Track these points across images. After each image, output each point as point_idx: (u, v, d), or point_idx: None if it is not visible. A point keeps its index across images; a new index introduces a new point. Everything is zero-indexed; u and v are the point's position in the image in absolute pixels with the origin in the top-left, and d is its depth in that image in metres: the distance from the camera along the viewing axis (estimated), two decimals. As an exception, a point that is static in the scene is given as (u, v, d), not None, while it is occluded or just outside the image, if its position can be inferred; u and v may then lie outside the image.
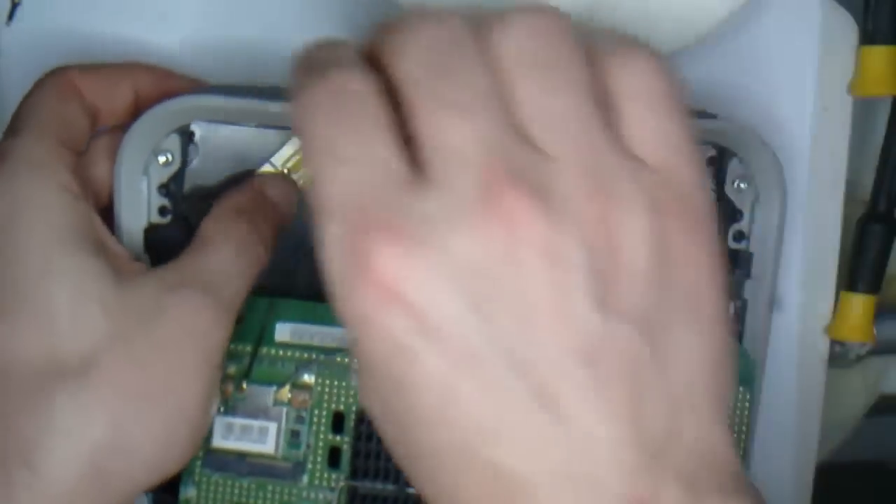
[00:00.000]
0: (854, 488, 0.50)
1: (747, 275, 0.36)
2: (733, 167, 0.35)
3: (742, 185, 0.35)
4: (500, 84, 0.25)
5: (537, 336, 0.24)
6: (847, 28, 0.37)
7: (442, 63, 0.25)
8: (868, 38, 0.37)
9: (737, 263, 0.36)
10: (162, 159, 0.34)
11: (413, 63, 0.25)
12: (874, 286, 0.38)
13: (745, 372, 0.36)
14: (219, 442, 0.34)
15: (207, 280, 0.32)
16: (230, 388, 0.34)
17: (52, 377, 0.30)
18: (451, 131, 0.24)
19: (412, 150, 0.25)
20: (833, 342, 0.40)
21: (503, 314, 0.24)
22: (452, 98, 0.25)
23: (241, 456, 0.35)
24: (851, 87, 0.38)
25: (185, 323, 0.31)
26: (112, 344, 0.31)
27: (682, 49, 0.34)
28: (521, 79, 0.25)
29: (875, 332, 0.41)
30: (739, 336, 0.36)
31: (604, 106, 0.26)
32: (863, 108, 0.40)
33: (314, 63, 0.26)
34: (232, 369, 0.34)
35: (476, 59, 0.25)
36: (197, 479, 0.34)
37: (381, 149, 0.25)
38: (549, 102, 0.25)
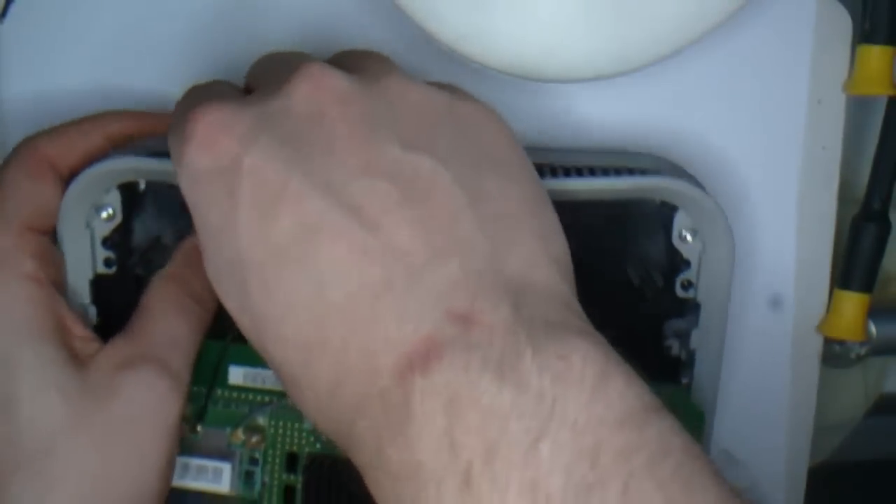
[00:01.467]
0: (854, 488, 0.50)
1: (695, 324, 0.36)
2: (679, 218, 0.35)
3: (688, 237, 0.35)
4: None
5: (344, 158, 0.27)
6: (841, 21, 0.37)
7: (273, 63, 0.31)
8: (865, 37, 0.37)
9: (684, 312, 0.36)
10: (104, 214, 0.35)
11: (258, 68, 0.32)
12: (868, 285, 0.38)
13: (692, 422, 0.36)
14: (176, 482, 0.35)
15: (155, 353, 0.32)
16: (185, 429, 0.35)
17: (10, 466, 0.31)
18: (273, 66, 0.30)
19: None
20: (833, 342, 0.41)
21: (311, 143, 0.27)
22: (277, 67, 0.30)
23: (200, 495, 0.35)
24: (847, 86, 0.38)
25: (140, 400, 0.32)
26: (70, 429, 0.31)
27: (684, 48, 0.34)
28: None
29: (875, 332, 0.41)
30: (688, 386, 0.36)
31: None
32: (858, 108, 0.40)
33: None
34: (187, 411, 0.34)
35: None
36: None
37: (228, 90, 0.31)
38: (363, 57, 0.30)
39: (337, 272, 0.26)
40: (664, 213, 0.36)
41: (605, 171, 0.35)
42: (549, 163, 0.35)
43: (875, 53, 0.37)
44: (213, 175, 0.27)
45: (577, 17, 0.34)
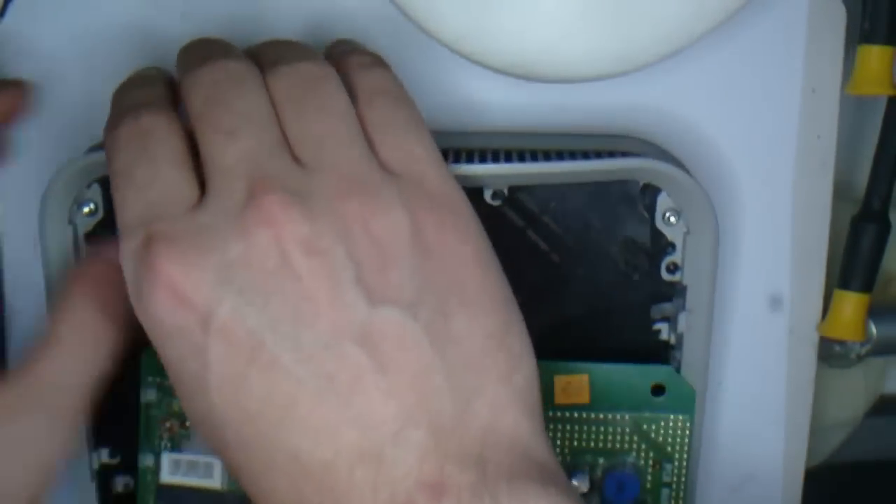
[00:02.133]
0: (854, 488, 0.50)
1: (682, 307, 0.36)
2: (662, 200, 0.35)
3: (672, 219, 0.36)
4: (269, 115, 0.29)
5: (312, 322, 0.27)
6: (836, 11, 0.37)
7: (219, 97, 0.29)
8: (865, 37, 0.37)
9: (672, 296, 0.36)
10: (86, 209, 0.35)
11: (197, 99, 0.29)
12: (867, 285, 0.38)
13: (684, 402, 0.36)
14: (167, 478, 0.35)
15: (44, 396, 0.31)
16: (176, 425, 0.35)
17: None
18: (223, 150, 0.28)
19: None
20: (833, 342, 0.41)
21: (279, 305, 0.27)
22: (225, 124, 0.29)
23: (192, 490, 0.35)
24: (848, 86, 0.38)
25: (15, 448, 0.31)
26: None
27: (684, 48, 0.34)
28: (287, 110, 0.29)
29: (875, 332, 0.41)
30: (678, 367, 0.36)
31: (359, 133, 0.30)
32: (857, 107, 0.40)
33: (128, 103, 0.31)
34: (176, 406, 0.35)
35: (249, 93, 0.29)
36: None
37: (170, 175, 0.29)
38: (310, 127, 0.29)
39: (312, 441, 0.26)
40: (648, 195, 0.36)
41: (588, 155, 0.35)
42: (535, 147, 0.35)
43: (875, 53, 0.37)
44: (179, 332, 0.27)
45: (577, 16, 0.34)
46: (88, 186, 0.35)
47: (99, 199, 0.35)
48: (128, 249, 0.28)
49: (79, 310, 0.32)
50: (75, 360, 0.32)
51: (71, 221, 0.35)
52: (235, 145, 0.28)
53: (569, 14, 0.34)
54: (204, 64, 0.30)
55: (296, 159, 0.29)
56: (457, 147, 0.35)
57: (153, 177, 0.29)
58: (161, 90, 0.32)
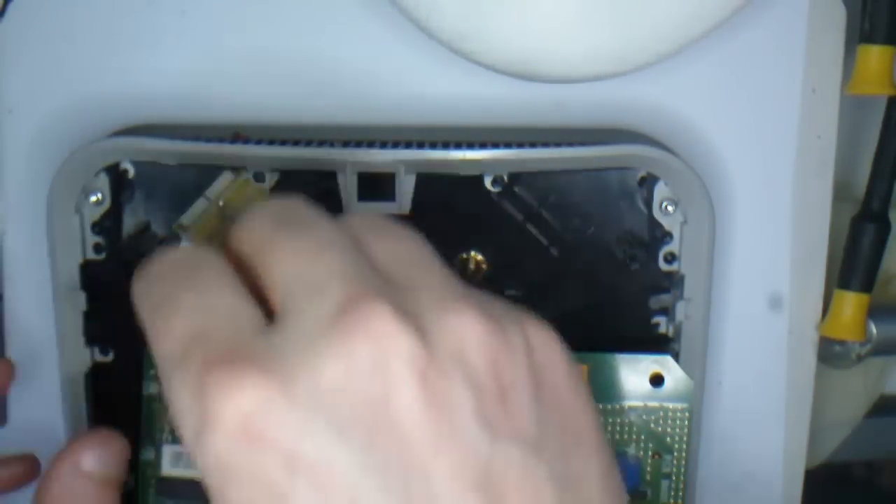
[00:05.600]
0: (854, 488, 0.50)
1: (680, 296, 0.36)
2: (660, 189, 0.36)
3: (669, 208, 0.36)
4: (351, 239, 0.24)
5: (423, 462, 0.22)
6: (836, 11, 0.37)
7: (291, 221, 0.24)
8: (865, 37, 0.37)
9: (670, 286, 0.37)
10: (93, 198, 0.35)
11: (259, 226, 0.24)
12: (868, 285, 0.38)
13: (682, 391, 0.36)
14: (168, 470, 0.35)
15: None
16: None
17: None
18: (306, 267, 0.23)
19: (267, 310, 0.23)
20: (833, 342, 0.41)
21: (380, 440, 0.21)
22: (303, 244, 0.23)
23: (192, 482, 0.35)
24: (848, 86, 0.38)
25: None
26: None
27: (684, 48, 0.34)
28: (367, 234, 0.24)
29: (875, 332, 0.41)
30: (676, 356, 0.37)
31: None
32: (857, 107, 0.40)
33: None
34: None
35: (325, 222, 0.24)
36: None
37: (226, 296, 0.23)
38: (396, 247, 0.24)
39: None
40: (646, 187, 0.36)
41: (581, 143, 0.35)
42: (535, 141, 0.36)
43: (875, 53, 0.37)
44: (253, 477, 0.21)
45: (576, 17, 0.34)
46: (96, 175, 0.35)
47: (106, 188, 0.35)
48: (180, 382, 0.22)
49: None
50: None
51: (78, 210, 0.35)
52: (322, 259, 0.23)
53: (569, 14, 0.34)
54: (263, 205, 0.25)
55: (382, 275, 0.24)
56: (458, 140, 0.35)
57: (203, 299, 0.23)
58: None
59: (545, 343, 0.24)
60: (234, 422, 0.21)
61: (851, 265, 0.38)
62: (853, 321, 0.38)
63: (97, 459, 0.29)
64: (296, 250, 0.23)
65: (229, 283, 0.24)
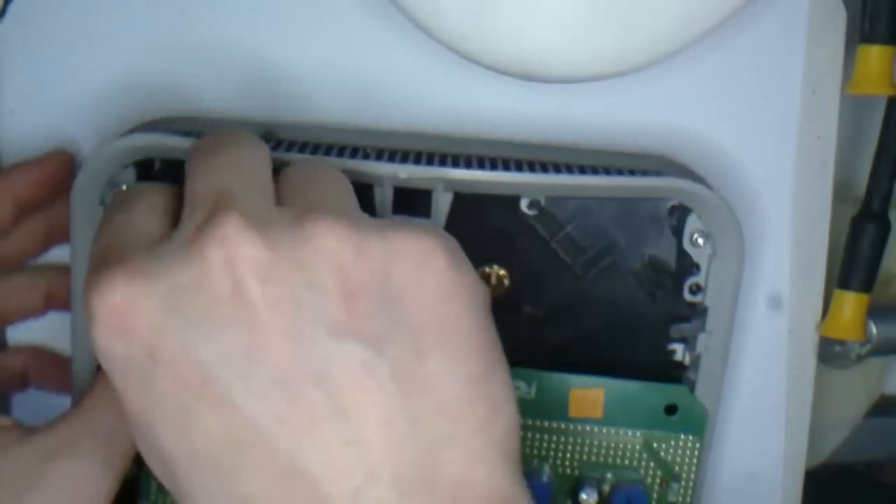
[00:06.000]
0: (854, 488, 0.50)
1: (702, 328, 0.36)
2: (691, 221, 0.35)
3: (700, 240, 0.35)
4: (265, 169, 0.28)
5: (266, 356, 0.24)
6: (836, 11, 0.37)
7: (216, 148, 0.28)
8: (865, 37, 0.37)
9: (691, 316, 0.36)
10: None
11: (193, 151, 0.28)
12: (868, 285, 0.38)
13: (696, 421, 0.36)
14: None
15: (89, 443, 0.31)
16: None
17: None
18: (200, 182, 0.27)
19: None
20: (833, 342, 0.41)
21: (231, 336, 0.24)
22: (213, 164, 0.27)
23: None
24: (848, 86, 0.38)
25: (64, 488, 0.30)
26: None
27: (684, 48, 0.34)
28: (285, 185, 0.28)
29: (875, 332, 0.41)
30: (692, 386, 0.36)
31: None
32: (857, 107, 0.40)
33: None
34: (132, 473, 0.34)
35: (247, 148, 0.28)
36: (153, 498, 0.35)
37: (142, 216, 0.28)
38: (304, 187, 0.28)
39: (262, 491, 0.24)
40: (676, 216, 0.36)
41: (619, 172, 0.34)
42: (556, 160, 0.35)
43: (875, 53, 0.37)
44: (124, 363, 0.25)
45: (577, 17, 0.34)
46: (123, 168, 0.34)
47: (132, 181, 0.34)
48: (85, 280, 0.26)
49: None
50: (115, 417, 0.31)
51: (102, 202, 0.34)
52: (216, 177, 0.27)
53: (569, 14, 0.34)
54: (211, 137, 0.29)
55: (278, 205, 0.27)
56: (492, 156, 0.35)
57: (127, 222, 0.27)
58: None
59: (416, 250, 0.26)
60: (105, 314, 0.25)
61: (851, 265, 0.38)
62: (853, 321, 0.38)
63: None
64: (202, 171, 0.27)
65: (151, 207, 0.28)
